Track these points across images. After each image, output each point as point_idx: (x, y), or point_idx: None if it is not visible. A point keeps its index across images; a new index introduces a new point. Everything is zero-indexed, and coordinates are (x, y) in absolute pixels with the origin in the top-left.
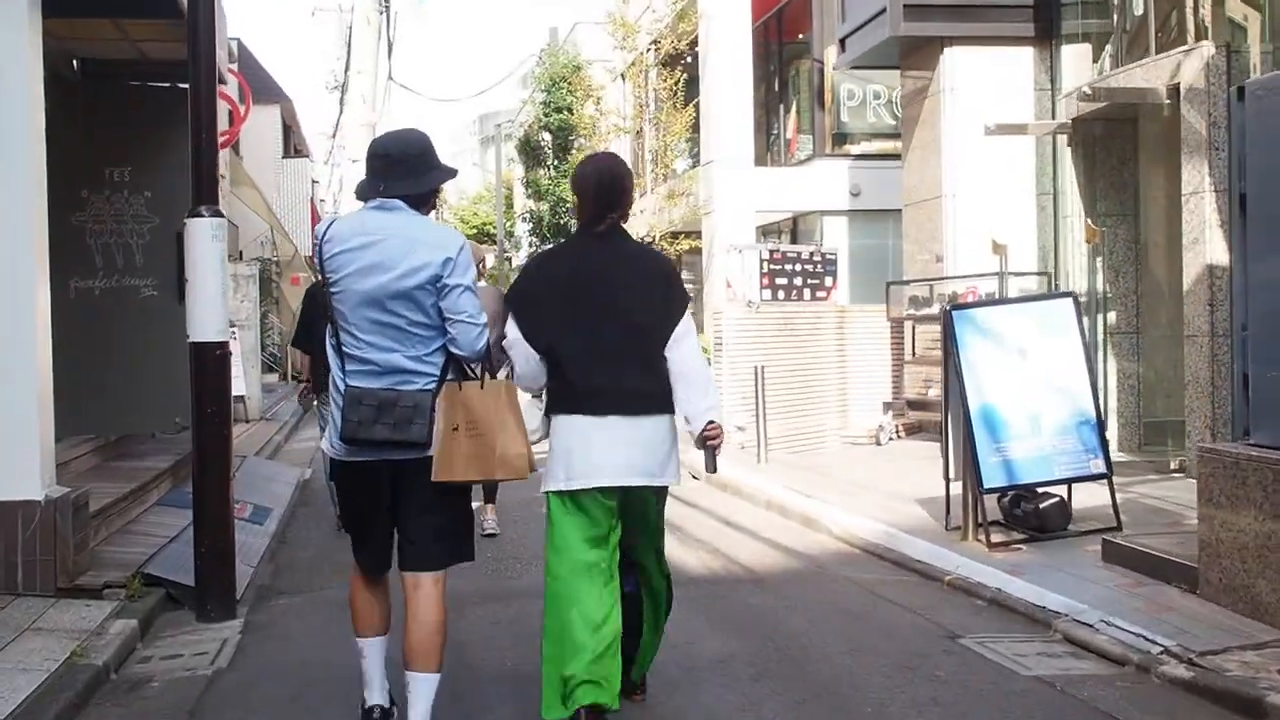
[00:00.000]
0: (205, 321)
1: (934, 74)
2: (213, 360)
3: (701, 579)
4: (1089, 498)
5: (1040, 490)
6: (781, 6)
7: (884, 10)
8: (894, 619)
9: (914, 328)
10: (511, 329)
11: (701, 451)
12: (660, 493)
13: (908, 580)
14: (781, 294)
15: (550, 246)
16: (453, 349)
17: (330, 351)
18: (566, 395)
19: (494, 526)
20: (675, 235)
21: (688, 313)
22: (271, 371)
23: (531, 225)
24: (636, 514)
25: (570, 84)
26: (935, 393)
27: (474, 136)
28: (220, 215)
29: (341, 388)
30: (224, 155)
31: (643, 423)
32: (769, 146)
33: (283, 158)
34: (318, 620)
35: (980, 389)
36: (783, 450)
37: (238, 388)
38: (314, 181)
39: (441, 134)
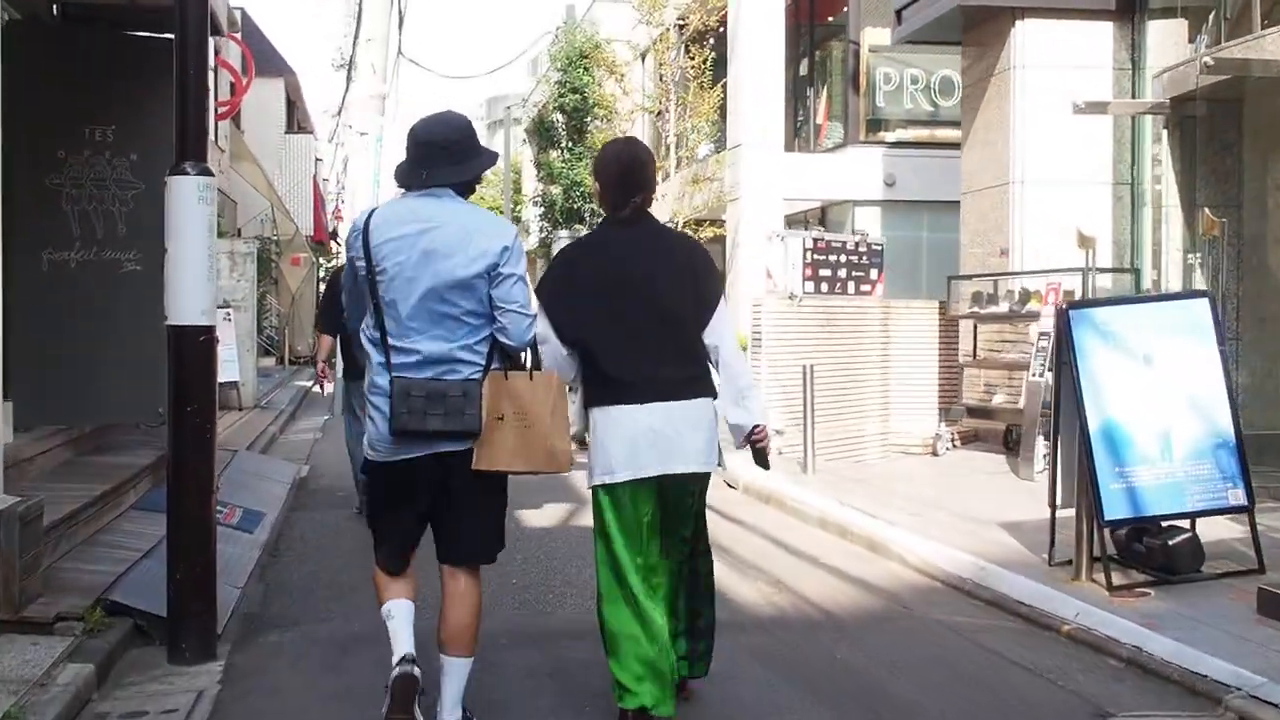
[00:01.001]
0: (187, 301)
1: (1003, 49)
2: (195, 348)
3: (770, 622)
4: (1209, 531)
5: (1164, 524)
6: None
7: None
8: (1020, 684)
9: (975, 327)
10: (542, 324)
11: (731, 457)
12: (702, 480)
13: (1013, 628)
14: (825, 286)
15: (576, 239)
16: (501, 338)
17: (369, 344)
18: (604, 387)
19: None
20: (699, 223)
21: (724, 299)
22: (268, 355)
23: (543, 209)
24: (676, 502)
25: (590, 60)
26: (1000, 399)
27: (481, 121)
28: (209, 174)
29: (386, 380)
30: (224, 128)
31: (683, 407)
32: (797, 132)
33: (286, 133)
34: (314, 665)
35: (1101, 402)
36: (825, 458)
37: (231, 373)
38: (318, 160)
39: None
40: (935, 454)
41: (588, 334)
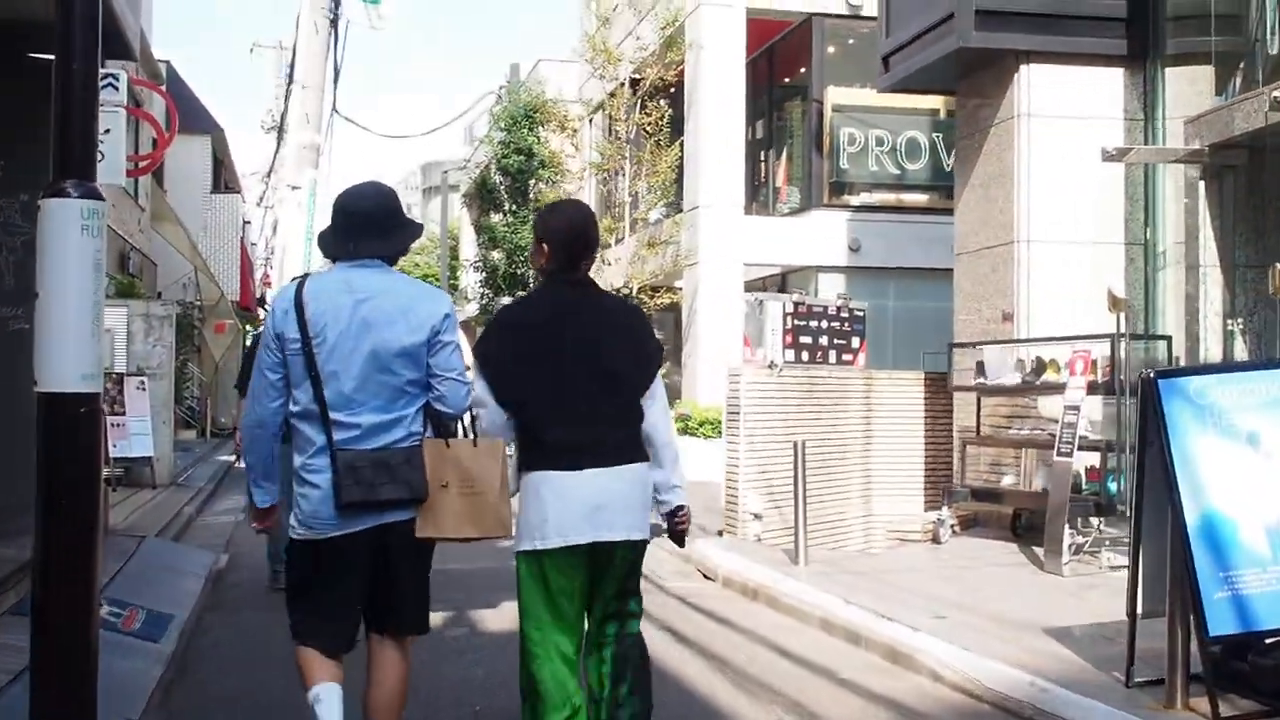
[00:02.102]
0: (63, 361)
1: (1005, 97)
2: (73, 422)
3: None
4: None
5: (1269, 639)
6: (772, 44)
7: (949, 17)
8: None
9: (979, 400)
10: (480, 385)
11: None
12: (638, 548)
13: None
14: (805, 355)
15: (516, 298)
16: (440, 406)
17: (302, 421)
18: (539, 450)
19: None
20: (655, 289)
21: (660, 369)
22: (189, 427)
23: (484, 275)
24: (607, 571)
25: (539, 117)
26: (1009, 480)
27: (416, 190)
28: (97, 197)
29: (323, 457)
30: (145, 185)
31: (619, 473)
32: (755, 195)
33: (211, 193)
34: None
35: (1199, 491)
36: (814, 545)
37: (144, 448)
38: (246, 222)
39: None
40: (937, 541)
41: (526, 397)
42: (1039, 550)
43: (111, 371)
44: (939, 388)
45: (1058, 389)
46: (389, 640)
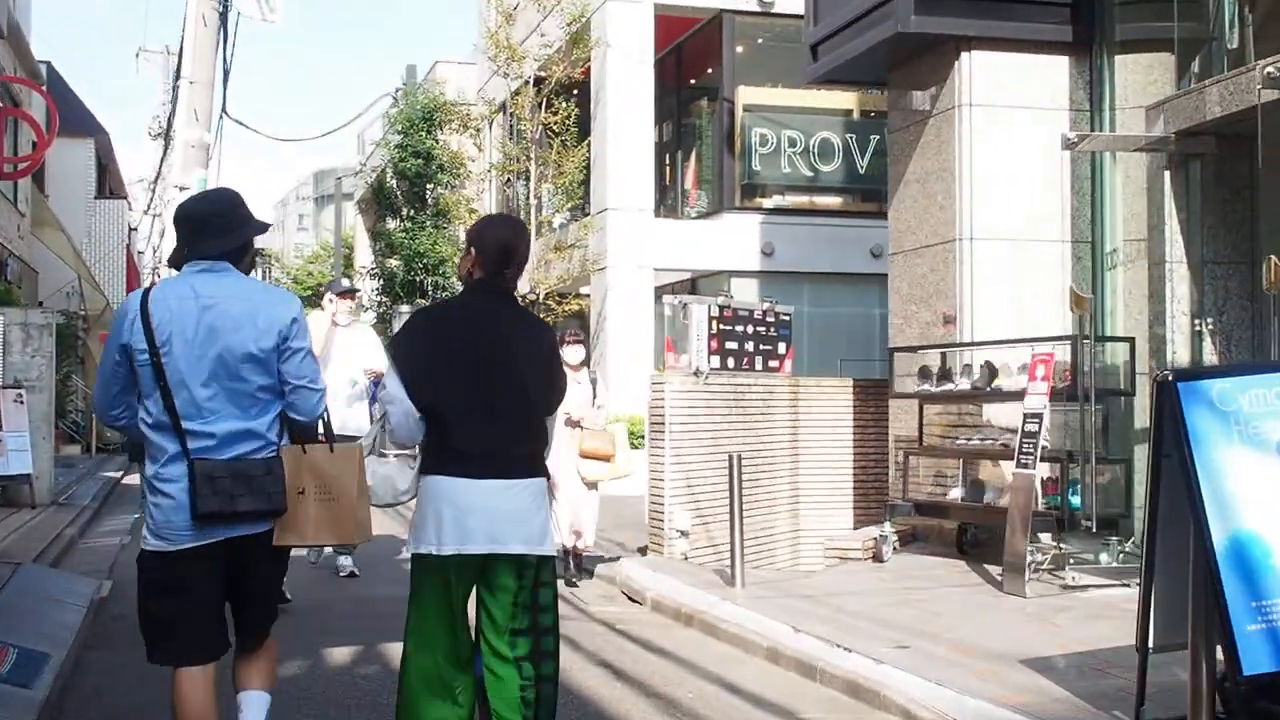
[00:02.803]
0: None
1: (945, 86)
2: None
3: None
4: None
5: None
6: (681, 42)
7: (886, 1)
8: None
9: (921, 408)
10: (393, 382)
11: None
12: (540, 565)
13: None
14: (731, 361)
15: (437, 301)
16: (291, 414)
17: (153, 431)
18: (445, 456)
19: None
20: (562, 296)
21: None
22: (73, 442)
23: (382, 282)
24: (506, 587)
25: (437, 118)
26: (956, 494)
27: (308, 200)
28: None
29: (181, 466)
30: (25, 189)
31: (518, 487)
32: (664, 198)
33: (95, 198)
34: None
35: (1226, 509)
36: (745, 563)
37: (22, 465)
38: (132, 229)
39: (273, 196)
40: (879, 559)
41: (436, 399)
42: (991, 568)
43: None
44: (868, 395)
45: (1014, 395)
46: (248, 644)
